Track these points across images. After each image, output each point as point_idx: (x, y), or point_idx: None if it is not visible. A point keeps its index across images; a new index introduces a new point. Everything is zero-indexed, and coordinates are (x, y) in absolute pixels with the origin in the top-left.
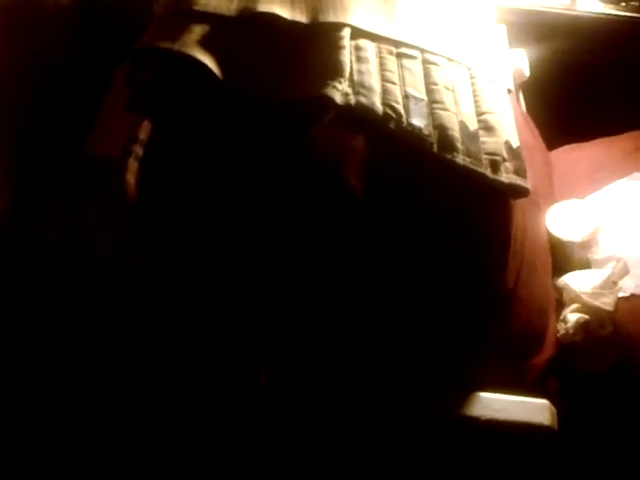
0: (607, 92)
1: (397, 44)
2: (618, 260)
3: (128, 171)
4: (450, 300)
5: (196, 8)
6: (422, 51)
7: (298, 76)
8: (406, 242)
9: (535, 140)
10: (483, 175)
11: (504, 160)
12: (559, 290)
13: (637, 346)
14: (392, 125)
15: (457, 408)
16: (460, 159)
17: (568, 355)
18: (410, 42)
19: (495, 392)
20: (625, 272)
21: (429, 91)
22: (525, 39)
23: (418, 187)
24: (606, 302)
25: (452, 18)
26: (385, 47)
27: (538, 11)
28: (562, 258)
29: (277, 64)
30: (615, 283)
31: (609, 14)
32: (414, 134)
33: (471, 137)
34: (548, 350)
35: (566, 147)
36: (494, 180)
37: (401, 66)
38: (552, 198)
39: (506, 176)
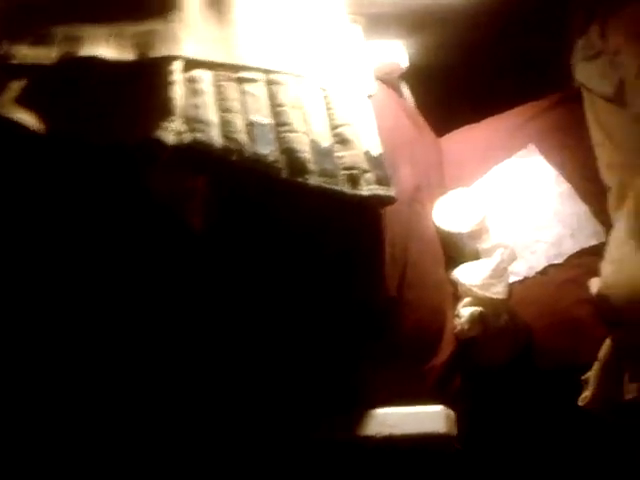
0: (494, 70)
1: (237, 69)
2: (505, 247)
3: None
4: (327, 318)
5: (14, 62)
6: (266, 72)
7: (129, 118)
8: (272, 266)
9: (418, 132)
10: (340, 192)
11: (364, 172)
12: (454, 284)
13: (535, 329)
14: (235, 157)
15: (350, 429)
16: (313, 180)
17: (469, 349)
18: (251, 64)
19: (394, 404)
20: (513, 258)
21: (275, 114)
22: (403, 29)
23: (276, 211)
24: (497, 291)
25: (301, 30)
26: (223, 74)
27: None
28: (454, 250)
29: (108, 107)
30: (505, 270)
31: None
32: (260, 163)
33: (325, 154)
34: (447, 349)
35: (455, 131)
36: (353, 195)
37: (242, 92)
38: (442, 188)
39: (367, 188)
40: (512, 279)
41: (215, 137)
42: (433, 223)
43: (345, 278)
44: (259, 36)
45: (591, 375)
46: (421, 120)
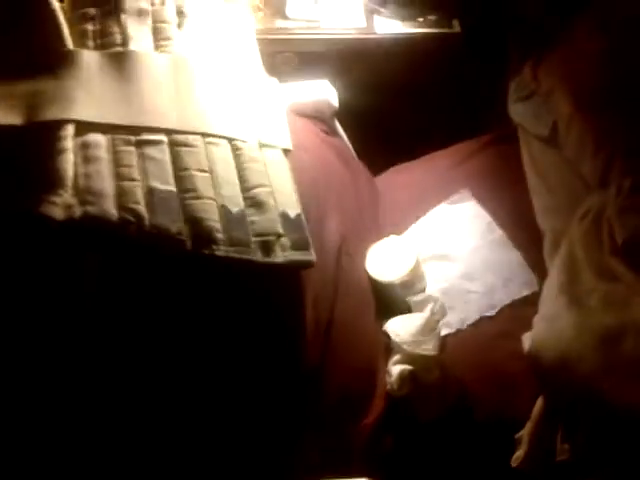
0: (430, 107)
1: (136, 131)
2: (435, 301)
3: None
4: (244, 394)
5: None
6: (169, 133)
7: (14, 190)
8: (182, 340)
9: (350, 174)
10: (251, 261)
11: (279, 237)
12: (387, 336)
13: (469, 381)
14: (132, 230)
15: None
16: (222, 251)
17: (401, 406)
18: (153, 125)
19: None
20: (443, 312)
21: (179, 179)
22: (330, 68)
23: (182, 282)
24: (428, 348)
25: (210, 85)
26: (121, 138)
27: (337, 38)
28: (388, 300)
29: None
30: (436, 324)
31: (409, 32)
32: (161, 235)
33: (236, 221)
34: (377, 408)
35: (392, 170)
36: (265, 263)
37: (142, 156)
38: (377, 232)
39: (282, 254)
40: (444, 331)
41: (110, 209)
42: (365, 272)
43: (261, 350)
44: (162, 94)
45: (524, 434)
46: (354, 160)
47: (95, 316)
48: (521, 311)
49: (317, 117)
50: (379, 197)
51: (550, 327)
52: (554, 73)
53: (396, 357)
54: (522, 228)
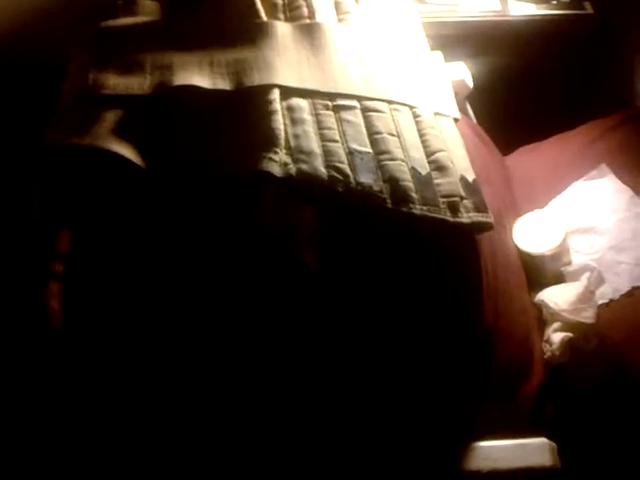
0: (555, 90)
1: (332, 97)
2: (592, 270)
3: (50, 296)
4: (429, 350)
5: (105, 92)
6: (360, 99)
7: (230, 151)
8: (373, 301)
9: (490, 153)
10: (444, 220)
11: (462, 199)
12: (539, 307)
13: (624, 351)
14: (340, 188)
15: (455, 463)
16: (417, 209)
17: (559, 374)
18: (345, 92)
19: (491, 436)
20: (600, 281)
21: (374, 142)
22: (465, 50)
23: (377, 243)
24: (587, 316)
25: (386, 56)
26: (320, 102)
27: (473, 21)
28: (536, 272)
29: (205, 140)
30: (593, 293)
31: (543, 14)
32: (365, 193)
33: (425, 182)
34: (538, 375)
35: (520, 150)
36: (455, 223)
37: (340, 120)
38: (515, 209)
39: (467, 216)
40: (599, 302)
41: (320, 168)
42: (514, 246)
43: (448, 308)
44: (349, 63)
45: None
46: (488, 139)
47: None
48: None
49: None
50: (511, 176)
51: None
52: None
53: (555, 325)
54: None
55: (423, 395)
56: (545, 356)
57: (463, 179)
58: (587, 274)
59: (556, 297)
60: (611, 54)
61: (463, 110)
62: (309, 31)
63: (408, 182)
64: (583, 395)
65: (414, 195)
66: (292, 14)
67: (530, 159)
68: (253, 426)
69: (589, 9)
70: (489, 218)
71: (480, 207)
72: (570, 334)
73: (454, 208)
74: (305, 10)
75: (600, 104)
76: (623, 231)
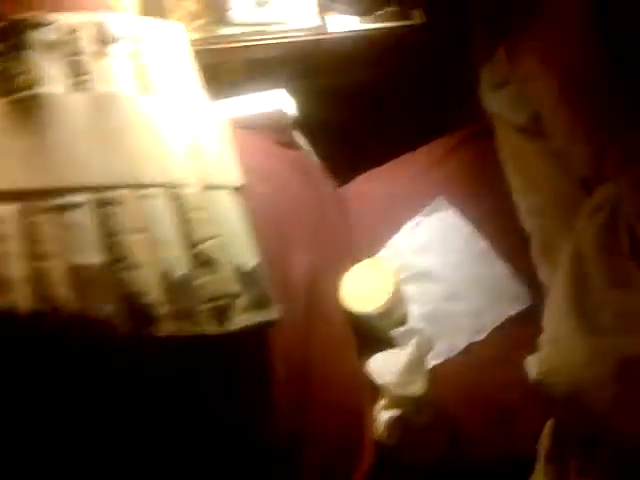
0: (395, 107)
1: (52, 194)
2: (420, 333)
3: None
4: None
5: None
6: (94, 191)
7: None
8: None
9: (315, 193)
10: (203, 335)
11: (234, 297)
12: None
13: (460, 417)
14: (50, 322)
15: None
16: (165, 328)
17: (394, 452)
18: (72, 184)
19: None
20: (429, 347)
21: (109, 247)
22: (288, 74)
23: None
24: (415, 389)
25: (141, 122)
26: (35, 205)
27: (288, 42)
28: (367, 331)
29: None
30: (421, 361)
31: (366, 29)
32: (89, 321)
33: (180, 288)
34: (369, 454)
35: (360, 178)
36: (221, 333)
37: (61, 226)
38: (350, 252)
39: (239, 319)
40: (432, 362)
41: (20, 300)
42: (341, 306)
43: (230, 420)
44: (84, 143)
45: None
46: (317, 173)
47: None
48: (513, 332)
49: (272, 128)
50: (348, 211)
51: (559, 351)
52: (532, 55)
53: (383, 401)
54: (507, 234)
55: None
56: (375, 437)
57: (238, 270)
58: (415, 339)
59: (383, 368)
60: (446, 65)
61: (289, 141)
62: (25, 107)
63: (153, 295)
64: (421, 473)
65: (161, 311)
66: (7, 85)
67: (367, 190)
68: None
69: (417, 19)
70: (271, 314)
71: (260, 301)
72: (398, 411)
73: (221, 314)
74: (22, 78)
75: (449, 118)
76: (459, 277)
